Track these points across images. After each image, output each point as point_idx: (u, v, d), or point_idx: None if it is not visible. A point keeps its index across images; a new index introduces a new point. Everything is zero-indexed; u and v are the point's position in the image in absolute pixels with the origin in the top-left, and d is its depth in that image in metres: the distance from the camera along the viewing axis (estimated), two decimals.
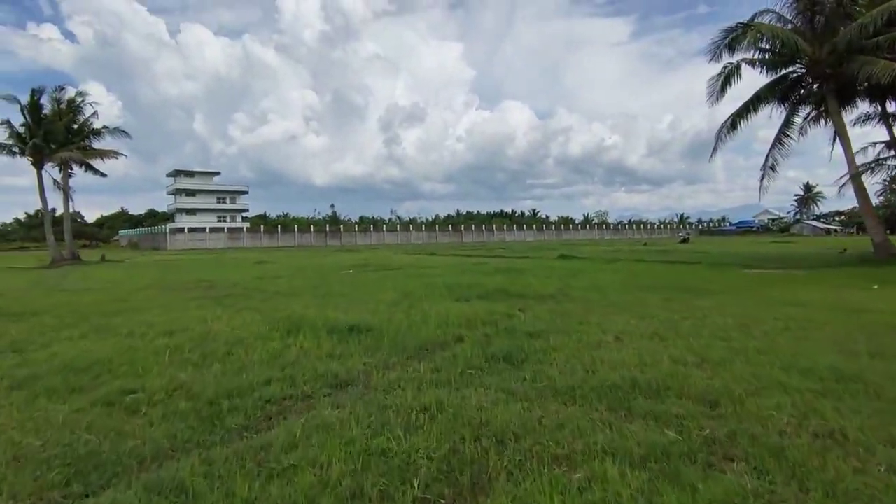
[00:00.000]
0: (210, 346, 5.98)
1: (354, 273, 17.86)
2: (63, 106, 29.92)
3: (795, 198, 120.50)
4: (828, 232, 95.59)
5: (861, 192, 18.15)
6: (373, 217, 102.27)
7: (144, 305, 9.94)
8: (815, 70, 17.72)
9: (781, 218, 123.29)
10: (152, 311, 9.09)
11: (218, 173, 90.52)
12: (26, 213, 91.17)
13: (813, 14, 17.58)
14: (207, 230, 76.38)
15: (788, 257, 24.93)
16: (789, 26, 18.03)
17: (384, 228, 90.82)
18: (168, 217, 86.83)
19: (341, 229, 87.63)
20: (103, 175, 32.13)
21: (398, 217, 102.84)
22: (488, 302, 9.65)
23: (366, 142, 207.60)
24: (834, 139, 19.21)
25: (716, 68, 19.53)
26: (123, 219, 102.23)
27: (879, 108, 19.90)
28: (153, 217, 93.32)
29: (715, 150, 21.03)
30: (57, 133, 28.26)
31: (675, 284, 12.24)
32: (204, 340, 6.31)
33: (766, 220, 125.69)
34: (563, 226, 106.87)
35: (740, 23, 18.25)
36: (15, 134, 28.28)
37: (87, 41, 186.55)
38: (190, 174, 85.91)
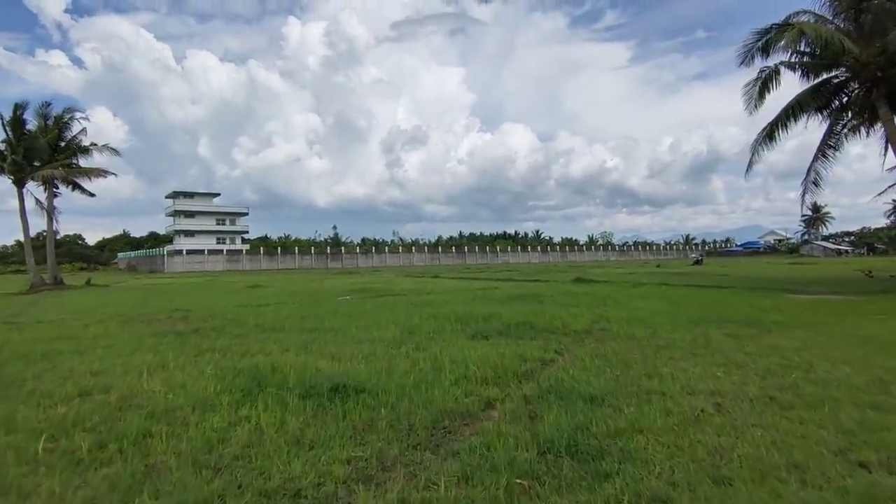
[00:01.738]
0: (122, 421, 4.08)
1: (352, 300, 15.96)
2: (49, 122, 28.45)
3: (803, 218, 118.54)
4: (839, 253, 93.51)
5: None
6: (375, 239, 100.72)
7: (89, 345, 8.06)
8: (864, 73, 16.03)
9: (789, 239, 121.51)
10: (91, 355, 7.20)
11: (218, 195, 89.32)
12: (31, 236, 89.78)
13: (858, 13, 15.99)
14: (206, 252, 74.74)
15: (823, 280, 22.97)
16: (831, 27, 16.41)
17: (386, 250, 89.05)
18: (168, 239, 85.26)
19: (342, 251, 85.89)
20: (91, 195, 30.49)
21: (400, 239, 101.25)
22: (512, 340, 7.75)
23: (368, 164, 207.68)
24: (885, 149, 17.42)
25: (745, 74, 17.89)
26: (124, 241, 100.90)
27: None
28: (154, 239, 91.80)
29: (751, 163, 19.26)
30: (40, 150, 26.64)
31: (727, 315, 10.31)
32: (121, 409, 4.42)
33: (773, 241, 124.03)
34: (567, 247, 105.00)
35: (775, 24, 16.67)
36: None
37: (95, 67, 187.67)
38: (189, 195, 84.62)
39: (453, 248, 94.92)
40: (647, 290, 17.85)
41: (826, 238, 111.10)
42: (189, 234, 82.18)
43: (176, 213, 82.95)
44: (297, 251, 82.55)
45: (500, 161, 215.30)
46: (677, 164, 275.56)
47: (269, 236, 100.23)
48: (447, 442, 3.66)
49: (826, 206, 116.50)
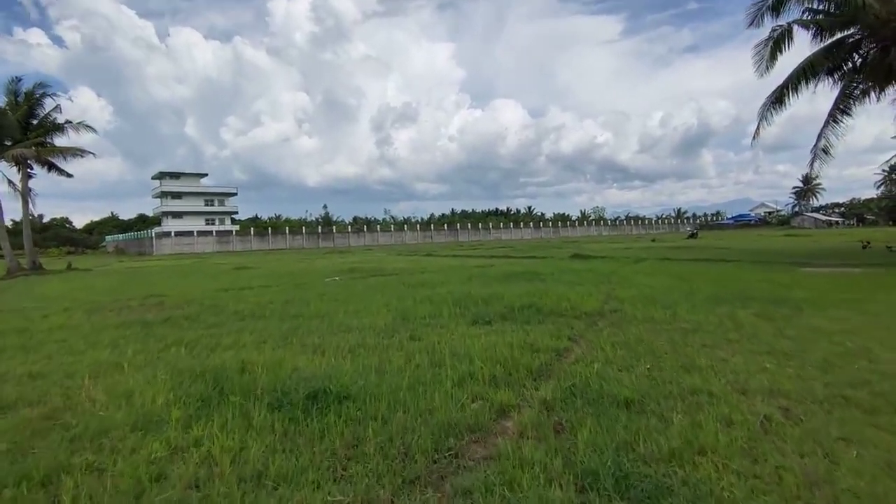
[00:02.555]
0: (35, 451, 3.20)
1: (341, 281, 15.07)
2: (20, 99, 26.89)
3: (793, 190, 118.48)
4: (829, 224, 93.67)
5: None
6: (366, 218, 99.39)
7: (40, 340, 7.14)
8: (882, 32, 15.02)
9: (779, 211, 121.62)
10: (38, 352, 6.29)
11: (205, 175, 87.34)
12: (13, 220, 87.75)
13: None
14: (195, 234, 73.31)
15: (824, 252, 22.38)
16: None
17: (378, 229, 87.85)
18: (156, 221, 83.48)
19: (334, 230, 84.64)
20: (69, 175, 29.00)
21: (392, 217, 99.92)
22: (518, 325, 6.91)
23: (358, 143, 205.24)
24: None
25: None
26: (113, 224, 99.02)
27: None
28: (143, 222, 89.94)
29: (758, 129, 18.30)
30: (9, 128, 25.09)
31: (746, 293, 9.53)
32: (42, 430, 3.53)
33: (763, 214, 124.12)
34: (559, 223, 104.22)
35: None
36: None
37: (76, 46, 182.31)
38: (176, 176, 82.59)
39: (445, 225, 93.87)
40: (649, 265, 17.08)
41: (816, 210, 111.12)
42: (177, 215, 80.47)
43: (163, 195, 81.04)
44: (287, 231, 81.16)
45: (490, 137, 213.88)
46: (668, 138, 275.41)
47: (259, 216, 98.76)
48: (454, 473, 2.81)
49: (818, 177, 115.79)
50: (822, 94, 18.87)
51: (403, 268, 20.40)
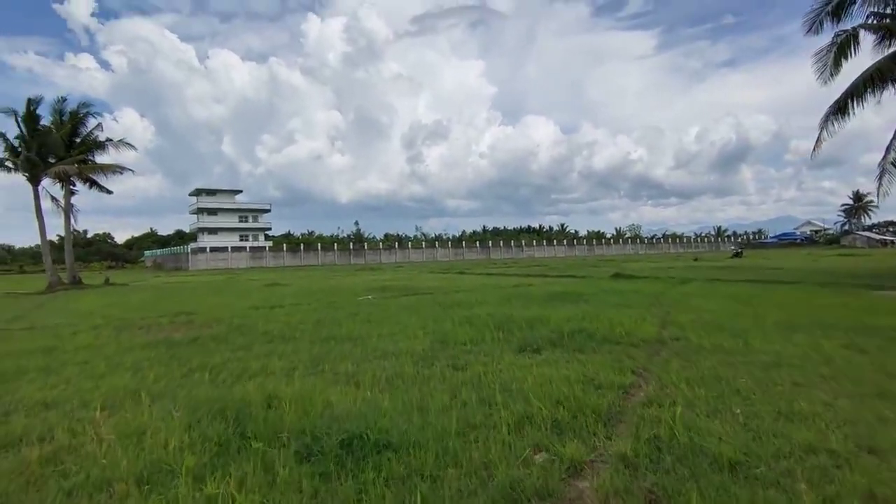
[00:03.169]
0: None
1: (374, 300, 14.59)
2: (65, 118, 27.74)
3: (842, 208, 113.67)
4: (884, 243, 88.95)
5: None
6: (397, 234, 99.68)
7: (63, 361, 6.81)
8: None
9: (827, 230, 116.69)
10: (58, 375, 5.94)
11: (240, 191, 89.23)
12: (58, 235, 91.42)
13: None
14: (229, 249, 74.76)
15: (891, 273, 20.80)
16: None
17: (409, 246, 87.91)
18: (193, 237, 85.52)
19: (365, 247, 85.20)
20: (108, 192, 29.70)
21: (423, 234, 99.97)
22: (570, 354, 6.23)
23: (389, 160, 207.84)
24: None
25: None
26: (152, 239, 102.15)
27: None
28: (180, 238, 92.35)
29: (819, 140, 17.20)
30: (54, 145, 25.87)
31: (822, 319, 8.60)
32: (36, 480, 3.05)
33: (810, 232, 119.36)
34: (594, 240, 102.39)
35: None
36: (10, 147, 26.03)
37: (122, 69, 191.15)
38: (212, 192, 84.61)
39: (477, 242, 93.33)
40: (699, 286, 16.06)
41: (869, 228, 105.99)
42: (212, 231, 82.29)
43: (199, 211, 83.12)
44: (319, 247, 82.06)
45: (521, 154, 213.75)
46: (704, 153, 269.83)
47: (291, 233, 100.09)
48: None
49: (869, 194, 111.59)
50: (876, 106, 17.63)
51: (437, 286, 19.85)
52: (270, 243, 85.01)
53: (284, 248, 79.71)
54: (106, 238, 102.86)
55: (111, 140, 28.69)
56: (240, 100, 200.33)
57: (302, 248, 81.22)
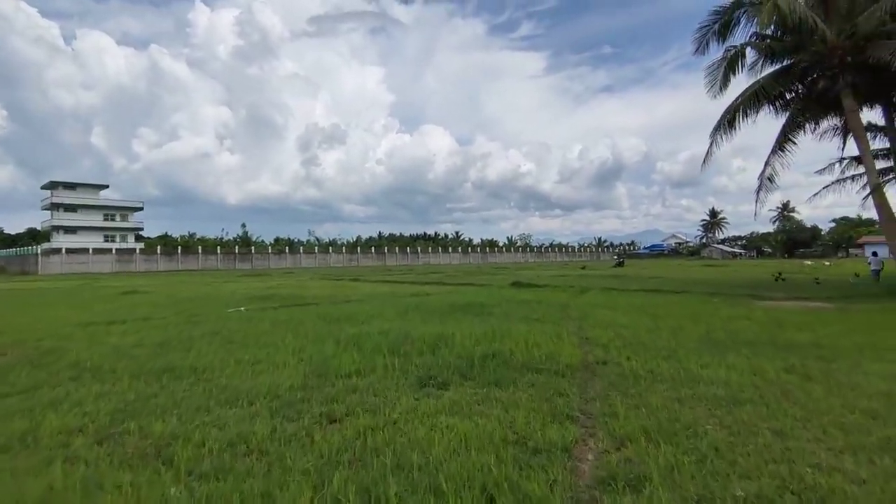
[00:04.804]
0: None
1: (247, 312, 12.35)
2: None
3: (701, 223, 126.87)
4: (734, 255, 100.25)
5: (884, 206, 15.21)
6: (289, 239, 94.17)
7: None
8: (830, 59, 14.75)
9: (688, 242, 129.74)
10: None
11: (106, 186, 79.35)
12: None
13: None
14: (90, 251, 65.60)
15: (751, 283, 22.23)
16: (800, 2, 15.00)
17: (301, 251, 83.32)
18: (46, 236, 74.21)
19: (253, 251, 79.24)
20: None
21: (317, 239, 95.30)
22: (486, 390, 4.83)
23: (283, 161, 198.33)
24: (844, 143, 16.41)
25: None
26: None
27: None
28: (33, 237, 79.68)
29: (709, 153, 17.66)
30: None
31: (737, 335, 8.07)
32: None
33: (674, 244, 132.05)
34: (487, 248, 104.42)
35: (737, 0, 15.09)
36: None
37: None
38: (71, 186, 74.19)
39: (373, 248, 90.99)
40: (600, 296, 15.66)
41: (721, 242, 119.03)
42: (70, 230, 72.03)
43: (53, 207, 72.34)
44: (200, 251, 74.93)
45: (418, 162, 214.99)
46: (585, 170, 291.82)
47: (169, 234, 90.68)
48: None
49: (722, 211, 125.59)
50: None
51: (327, 295, 17.84)
52: (142, 245, 76.23)
53: (158, 251, 71.58)
54: None
55: None
56: (114, 88, 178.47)
57: (179, 251, 73.59)
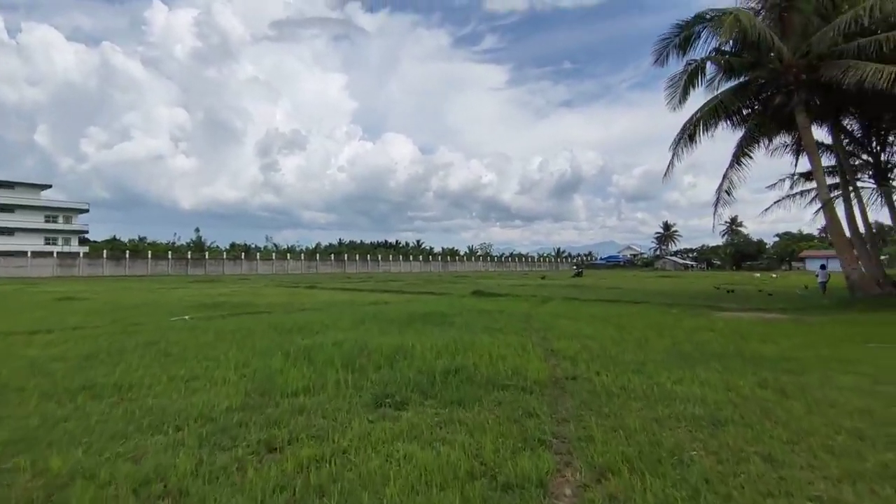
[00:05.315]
0: None
1: (191, 321, 11.50)
2: None
3: (655, 235, 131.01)
4: (686, 267, 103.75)
5: (834, 221, 15.69)
6: (245, 244, 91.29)
7: None
8: (785, 76, 15.15)
9: (643, 254, 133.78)
10: None
11: (48, 186, 75.09)
12: None
13: (783, 10, 15.11)
14: (29, 255, 61.66)
15: (704, 294, 22.69)
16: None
17: (258, 257, 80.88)
18: None
19: (206, 257, 76.37)
20: None
21: (275, 245, 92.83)
22: (449, 411, 4.38)
23: (241, 166, 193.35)
24: (797, 159, 16.86)
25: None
26: None
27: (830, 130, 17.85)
28: None
29: (671, 165, 17.86)
30: None
31: (703, 346, 7.94)
32: None
33: (630, 256, 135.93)
34: (448, 257, 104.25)
35: (700, 14, 15.35)
36: None
37: None
38: (8, 185, 69.73)
39: (332, 256, 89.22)
40: (562, 306, 15.49)
41: (674, 254, 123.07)
42: (7, 232, 67.66)
43: None
44: (150, 256, 71.61)
45: (381, 170, 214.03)
46: (545, 182, 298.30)
47: (118, 238, 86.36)
48: None
49: (675, 224, 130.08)
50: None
51: (281, 303, 17.03)
52: (86, 249, 72.27)
53: (105, 256, 67.97)
54: None
55: None
56: (61, 84, 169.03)
57: (128, 255, 70.12)
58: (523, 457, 3.29)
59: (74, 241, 73.99)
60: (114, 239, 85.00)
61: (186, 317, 12.31)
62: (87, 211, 77.25)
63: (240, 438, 3.69)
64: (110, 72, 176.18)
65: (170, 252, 75.03)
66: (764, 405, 4.62)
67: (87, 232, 77.28)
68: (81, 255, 67.62)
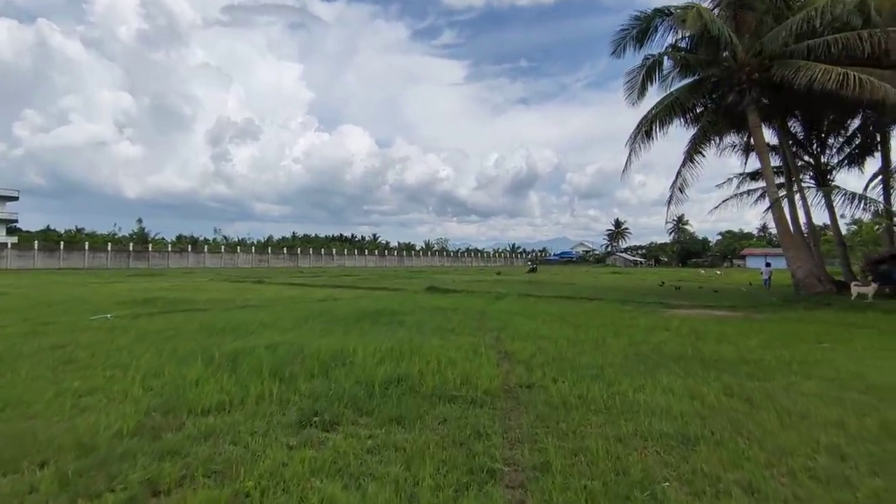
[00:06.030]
0: None
1: (115, 320, 10.40)
2: None
3: (607, 232, 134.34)
4: (635, 263, 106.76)
5: (781, 220, 15.96)
6: (192, 236, 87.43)
7: None
8: (738, 75, 15.23)
9: (594, 251, 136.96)
10: None
11: None
12: None
13: (737, 9, 15.16)
14: None
15: (655, 291, 22.89)
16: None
17: (206, 250, 77.58)
18: None
19: (150, 249, 72.65)
20: None
21: (224, 237, 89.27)
22: (384, 430, 3.78)
23: (190, 155, 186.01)
24: (746, 159, 17.04)
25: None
26: None
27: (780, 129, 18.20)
28: None
29: (629, 161, 17.76)
30: None
31: (660, 348, 7.61)
32: None
33: (582, 252, 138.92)
34: (404, 252, 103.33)
35: (658, 8, 15.22)
36: None
37: None
38: None
39: (285, 249, 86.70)
40: (515, 303, 15.12)
41: (624, 251, 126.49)
42: None
43: None
44: (87, 247, 67.52)
45: (337, 163, 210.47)
46: (501, 178, 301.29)
47: (52, 228, 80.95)
48: None
49: (625, 222, 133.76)
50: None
51: (222, 299, 15.92)
52: (15, 239, 67.36)
53: (36, 246, 63.56)
54: None
55: None
56: None
57: (62, 246, 65.85)
58: (468, 497, 2.71)
59: (2, 231, 68.87)
60: (48, 229, 79.62)
61: (109, 315, 11.16)
62: (16, 199, 72.12)
63: (118, 477, 2.95)
64: (47, 51, 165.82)
65: (109, 244, 70.99)
66: (733, 417, 4.23)
67: (16, 221, 72.11)
68: (9, 245, 62.94)
